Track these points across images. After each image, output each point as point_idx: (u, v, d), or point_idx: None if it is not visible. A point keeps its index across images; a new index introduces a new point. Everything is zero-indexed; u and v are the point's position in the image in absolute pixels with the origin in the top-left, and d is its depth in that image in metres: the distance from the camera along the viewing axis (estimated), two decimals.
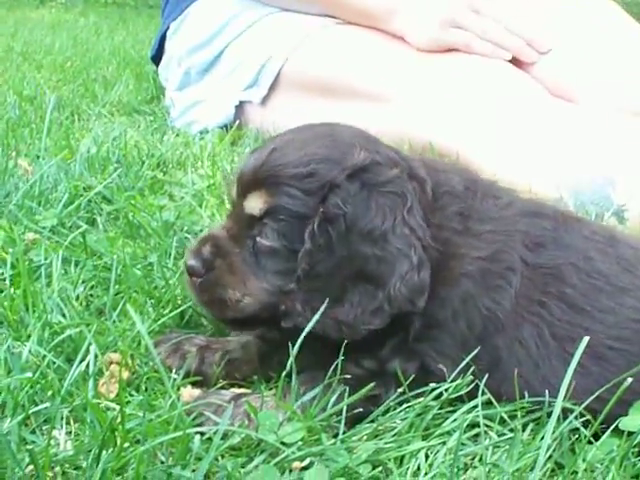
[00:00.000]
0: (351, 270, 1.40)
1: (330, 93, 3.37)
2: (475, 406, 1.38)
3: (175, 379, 1.48)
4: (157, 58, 4.07)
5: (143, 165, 2.74)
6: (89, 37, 7.23)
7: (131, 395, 1.50)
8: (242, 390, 1.47)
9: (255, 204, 1.44)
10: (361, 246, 1.40)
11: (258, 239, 1.45)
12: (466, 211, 1.51)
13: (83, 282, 1.88)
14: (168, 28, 3.94)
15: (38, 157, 2.78)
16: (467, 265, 1.46)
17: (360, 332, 1.40)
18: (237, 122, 3.53)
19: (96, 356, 1.51)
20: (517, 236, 1.51)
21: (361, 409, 1.38)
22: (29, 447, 1.22)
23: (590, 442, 1.36)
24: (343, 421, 1.37)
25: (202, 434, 1.30)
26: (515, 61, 3.08)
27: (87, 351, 1.51)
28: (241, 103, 3.59)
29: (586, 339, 1.33)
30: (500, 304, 1.45)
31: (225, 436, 1.31)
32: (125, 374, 1.55)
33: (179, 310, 1.75)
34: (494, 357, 1.44)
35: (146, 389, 1.52)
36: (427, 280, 1.42)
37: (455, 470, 1.28)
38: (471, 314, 1.45)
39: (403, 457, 1.35)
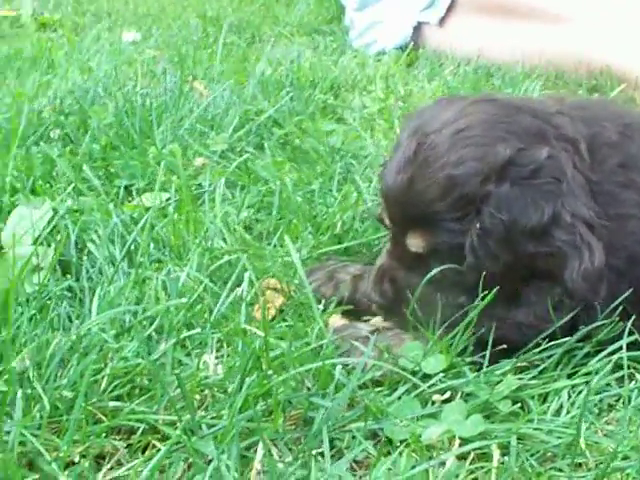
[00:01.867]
0: (522, 272, 1.35)
1: (507, 13, 3.30)
2: (621, 347, 1.35)
3: (325, 308, 1.52)
4: None
5: (316, 89, 2.76)
6: None
7: (285, 320, 1.54)
8: (383, 324, 1.49)
9: (417, 243, 1.40)
10: (526, 246, 1.34)
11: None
12: (628, 161, 1.44)
13: (248, 207, 1.93)
14: None
15: (214, 80, 2.85)
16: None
17: (543, 331, 1.37)
18: (413, 43, 3.51)
19: (252, 282, 1.57)
20: None
21: (505, 345, 1.37)
22: (176, 371, 1.28)
23: None
24: (488, 355, 1.37)
25: (346, 365, 1.34)
26: None
27: (243, 277, 1.57)
28: (419, 24, 3.56)
29: None
30: None
31: (367, 368, 1.34)
32: (280, 300, 1.60)
33: (337, 238, 1.79)
34: None
35: (300, 315, 1.56)
36: (602, 265, 1.35)
37: (597, 411, 1.27)
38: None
39: (546, 395, 1.34)
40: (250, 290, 1.55)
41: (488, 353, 1.36)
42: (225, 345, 1.43)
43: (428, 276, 1.38)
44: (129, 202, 1.93)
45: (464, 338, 1.36)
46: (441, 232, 1.37)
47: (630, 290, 1.38)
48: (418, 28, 3.56)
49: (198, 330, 1.40)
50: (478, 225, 1.34)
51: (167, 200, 1.89)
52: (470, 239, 1.34)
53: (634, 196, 1.41)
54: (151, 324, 1.42)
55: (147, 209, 1.83)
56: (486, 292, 1.33)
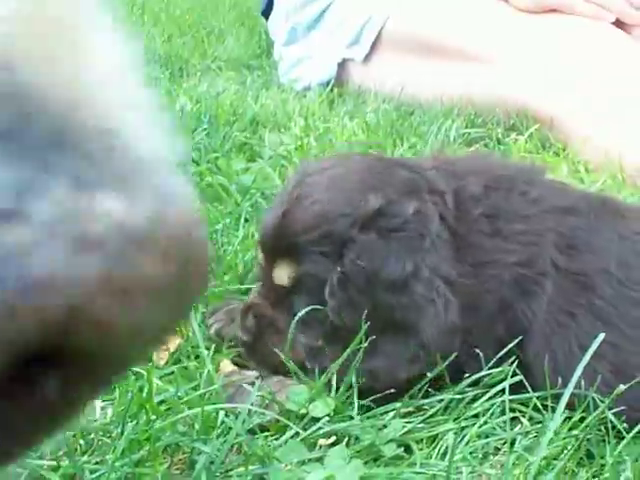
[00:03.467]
0: (379, 321, 1.36)
1: (430, 52, 3.34)
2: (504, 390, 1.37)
3: (216, 351, 1.52)
4: (267, 13, 4.11)
5: (233, 125, 2.76)
6: None
7: (179, 362, 1.54)
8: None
9: (282, 275, 1.43)
10: (385, 296, 1.37)
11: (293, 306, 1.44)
12: (492, 211, 1.47)
13: None
14: None
15: None
16: (501, 271, 1.43)
17: (399, 380, 1.38)
18: (337, 80, 3.55)
19: None
20: (549, 237, 1.46)
21: (393, 389, 1.38)
22: None
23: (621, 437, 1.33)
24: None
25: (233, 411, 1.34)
26: (618, 23, 2.98)
27: None
28: (344, 60, 3.59)
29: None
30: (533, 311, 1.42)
31: (252, 413, 1.33)
32: (176, 341, 1.59)
33: (239, 279, 1.79)
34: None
35: (197, 357, 1.56)
36: (456, 320, 1.38)
37: (482, 455, 1.28)
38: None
39: (434, 439, 1.35)
40: None
41: (364, 398, 1.38)
42: (116, 388, 1.42)
43: (297, 317, 1.40)
44: None
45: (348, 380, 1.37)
46: (306, 263, 1.40)
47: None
48: (343, 64, 3.58)
49: None
50: (339, 269, 1.36)
51: None
52: (331, 282, 1.37)
53: (500, 243, 1.44)
54: None
55: None
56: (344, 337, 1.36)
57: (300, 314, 1.39)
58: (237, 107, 3.00)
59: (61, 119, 0.32)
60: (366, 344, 1.35)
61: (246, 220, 2.04)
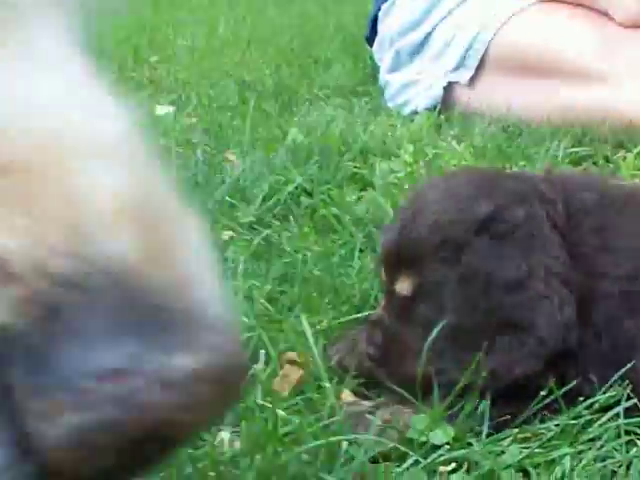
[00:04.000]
0: (497, 321, 1.43)
1: (536, 72, 3.36)
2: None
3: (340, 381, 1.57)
4: (371, 38, 4.18)
5: (344, 156, 2.83)
6: (317, 13, 7.40)
7: (302, 393, 1.60)
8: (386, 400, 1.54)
9: (404, 286, 1.51)
10: (502, 297, 1.43)
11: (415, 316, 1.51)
12: (602, 225, 1.51)
13: (273, 279, 1.99)
14: (379, 9, 4.03)
15: (245, 151, 2.94)
16: (610, 285, 1.47)
17: (515, 378, 1.43)
18: (444, 104, 3.59)
19: (271, 356, 1.63)
20: None
21: (509, 415, 1.42)
22: (190, 450, 1.35)
23: None
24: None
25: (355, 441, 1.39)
26: None
27: (261, 351, 1.63)
28: (449, 84, 3.63)
29: None
30: None
31: (374, 442, 1.39)
32: (298, 373, 1.66)
33: (357, 308, 1.84)
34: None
35: (318, 387, 1.61)
36: (573, 316, 1.43)
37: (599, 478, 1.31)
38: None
39: (551, 463, 1.38)
40: (269, 365, 1.61)
41: (487, 423, 1.42)
42: (242, 421, 1.49)
43: (435, 332, 1.45)
44: None
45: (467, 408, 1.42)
46: (425, 271, 1.48)
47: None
48: (448, 88, 3.62)
49: None
50: (457, 273, 1.43)
51: None
52: (450, 287, 1.45)
53: (609, 257, 1.47)
54: None
55: None
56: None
57: (437, 330, 1.44)
58: (346, 137, 3.07)
59: (159, 304, 0.49)
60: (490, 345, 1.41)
61: (361, 250, 2.09)
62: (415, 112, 3.66)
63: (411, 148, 2.98)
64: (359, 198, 2.49)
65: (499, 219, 1.47)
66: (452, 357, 1.46)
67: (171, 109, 3.61)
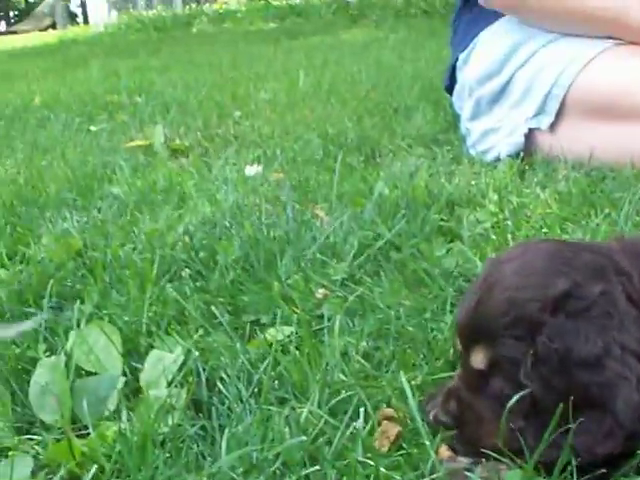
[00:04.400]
0: (574, 400, 1.43)
1: (617, 115, 3.38)
2: None
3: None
4: (450, 87, 4.25)
5: (430, 209, 2.88)
6: (393, 61, 7.50)
7: (402, 448, 1.64)
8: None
9: (479, 359, 1.54)
10: (579, 376, 1.44)
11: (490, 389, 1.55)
12: None
13: (367, 335, 2.05)
14: (457, 59, 4.10)
15: (333, 206, 3.01)
16: None
17: (596, 457, 1.44)
18: (525, 150, 3.63)
19: (369, 413, 1.69)
20: None
21: (604, 470, 1.44)
22: None
23: None
24: None
25: None
26: None
27: (361, 409, 1.69)
28: (530, 131, 3.67)
29: None
30: None
31: None
32: (396, 430, 1.71)
33: (451, 364, 1.89)
34: None
35: (416, 443, 1.66)
36: None
37: None
38: None
39: None
40: (367, 422, 1.66)
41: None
42: (345, 478, 1.54)
43: (508, 406, 1.48)
44: (255, 337, 2.07)
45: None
46: (500, 347, 1.50)
47: None
48: (530, 135, 3.66)
49: (317, 467, 1.52)
50: (532, 352, 1.46)
51: (288, 336, 2.03)
52: (525, 364, 1.47)
53: None
54: (275, 461, 1.55)
55: (271, 345, 1.97)
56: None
57: (511, 403, 1.48)
58: (432, 188, 3.13)
59: None
60: (568, 424, 1.43)
61: (452, 304, 2.14)
62: (497, 159, 3.70)
63: (496, 197, 3.03)
64: (448, 251, 2.54)
65: (575, 296, 1.48)
66: (532, 434, 1.47)
67: (259, 169, 3.70)
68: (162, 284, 2.34)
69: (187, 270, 2.46)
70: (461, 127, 4.14)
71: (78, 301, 2.23)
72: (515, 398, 1.47)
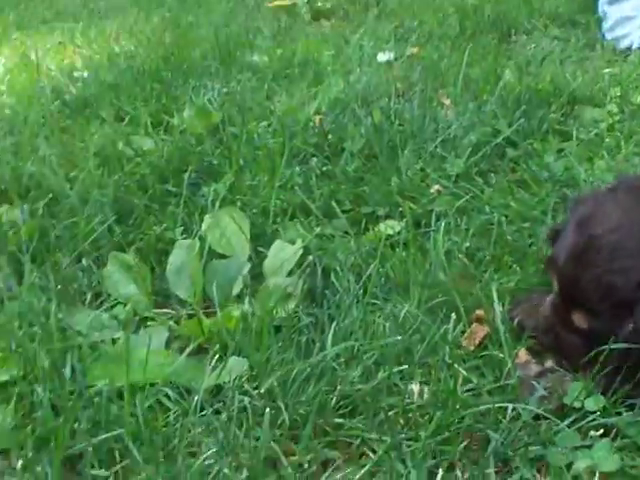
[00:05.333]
0: None
1: None
2: None
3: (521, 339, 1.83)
4: None
5: (551, 106, 3.00)
6: None
7: (486, 349, 1.86)
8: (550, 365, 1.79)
9: (580, 322, 1.71)
10: None
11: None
12: None
13: (472, 235, 2.24)
14: None
15: (459, 95, 3.15)
16: None
17: None
18: None
19: (461, 315, 1.91)
20: None
21: None
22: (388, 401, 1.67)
23: None
24: None
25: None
26: None
27: (456, 310, 1.91)
28: None
29: None
30: None
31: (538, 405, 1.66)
32: (484, 331, 1.92)
33: (544, 272, 2.07)
34: None
35: (500, 345, 1.87)
36: None
37: None
38: None
39: None
40: (459, 323, 1.88)
41: None
42: (432, 373, 1.77)
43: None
44: (370, 231, 2.29)
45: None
46: (600, 321, 1.66)
47: None
48: None
49: (406, 367, 1.76)
50: (631, 324, 1.61)
51: (399, 232, 2.24)
52: (624, 334, 1.61)
53: None
54: (373, 355, 1.80)
55: (387, 237, 2.20)
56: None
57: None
58: (557, 82, 3.21)
59: None
60: None
61: (554, 210, 2.30)
62: (630, 48, 3.74)
63: (618, 93, 3.09)
64: (559, 152, 2.67)
65: None
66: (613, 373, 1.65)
67: (391, 56, 3.82)
68: (291, 170, 2.56)
69: (314, 159, 2.66)
70: (599, 10, 4.16)
71: (213, 184, 2.49)
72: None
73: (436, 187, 2.49)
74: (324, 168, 2.62)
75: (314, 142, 2.78)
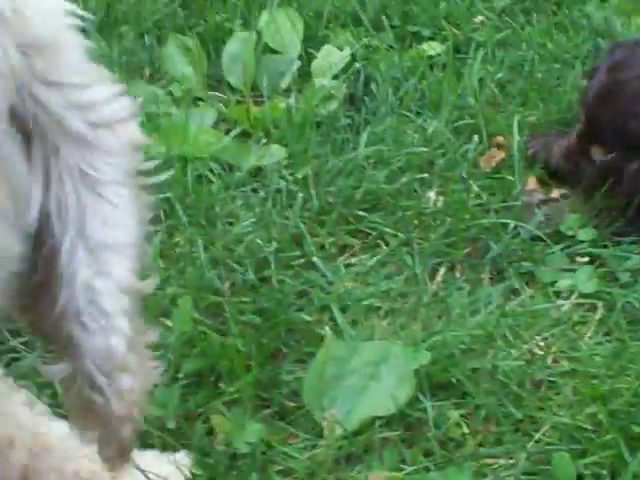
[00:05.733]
0: None
1: None
2: None
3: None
4: None
5: None
6: None
7: (499, 173, 2.07)
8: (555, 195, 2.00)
9: (597, 156, 1.90)
10: None
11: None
12: None
13: (507, 67, 2.40)
14: None
15: None
16: None
17: None
18: None
19: (483, 139, 2.10)
20: None
21: None
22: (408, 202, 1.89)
23: None
24: None
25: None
26: None
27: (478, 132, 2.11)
28: None
29: None
30: None
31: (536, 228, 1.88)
32: (501, 155, 2.12)
33: (564, 113, 2.25)
34: None
35: (513, 170, 2.07)
36: None
37: None
38: None
39: None
40: (479, 145, 2.08)
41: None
42: (449, 185, 1.99)
43: None
44: (412, 48, 2.45)
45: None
46: (613, 158, 1.87)
47: None
48: None
49: (426, 175, 1.97)
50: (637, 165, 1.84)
51: (439, 54, 2.40)
52: (629, 172, 1.85)
53: None
54: (399, 160, 2.01)
55: (428, 57, 2.37)
56: None
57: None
58: None
59: None
60: None
61: (584, 58, 2.45)
62: None
63: None
64: (603, 1, 2.78)
65: None
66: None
67: None
68: None
69: None
70: None
71: None
72: None
73: (480, 18, 2.63)
74: None
75: None
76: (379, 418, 1.48)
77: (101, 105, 0.70)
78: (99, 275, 0.69)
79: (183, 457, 1.42)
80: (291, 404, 1.54)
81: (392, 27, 2.50)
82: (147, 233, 0.74)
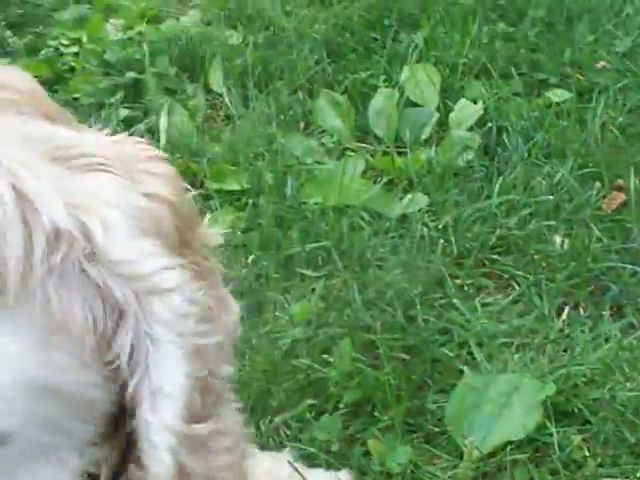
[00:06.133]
0: None
1: None
2: None
3: None
4: None
5: None
6: None
7: (621, 214, 2.30)
8: None
9: None
10: None
11: None
12: None
13: (629, 111, 2.61)
14: None
15: None
16: None
17: None
18: None
19: (604, 182, 2.33)
20: None
21: None
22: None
23: None
24: None
25: None
26: None
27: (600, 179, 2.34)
28: None
29: None
30: None
31: None
32: (622, 197, 2.33)
33: None
34: None
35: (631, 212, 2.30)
36: None
37: None
38: None
39: None
40: (602, 189, 2.31)
41: None
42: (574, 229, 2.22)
43: None
44: (540, 96, 2.68)
45: None
46: None
47: None
48: None
49: (553, 223, 2.22)
50: None
51: (564, 102, 2.62)
52: None
53: None
54: (528, 207, 2.26)
55: (549, 105, 2.60)
56: None
57: None
58: None
59: None
60: None
61: None
62: None
63: None
64: None
65: None
66: None
67: None
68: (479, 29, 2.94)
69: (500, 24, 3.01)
70: None
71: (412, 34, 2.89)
72: None
73: (602, 63, 2.83)
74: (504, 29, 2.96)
75: (502, 4, 3.11)
76: (510, 442, 1.75)
77: (150, 276, 0.80)
78: (152, 411, 0.83)
79: (345, 474, 1.70)
80: (435, 430, 1.81)
81: (520, 74, 2.73)
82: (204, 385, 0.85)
